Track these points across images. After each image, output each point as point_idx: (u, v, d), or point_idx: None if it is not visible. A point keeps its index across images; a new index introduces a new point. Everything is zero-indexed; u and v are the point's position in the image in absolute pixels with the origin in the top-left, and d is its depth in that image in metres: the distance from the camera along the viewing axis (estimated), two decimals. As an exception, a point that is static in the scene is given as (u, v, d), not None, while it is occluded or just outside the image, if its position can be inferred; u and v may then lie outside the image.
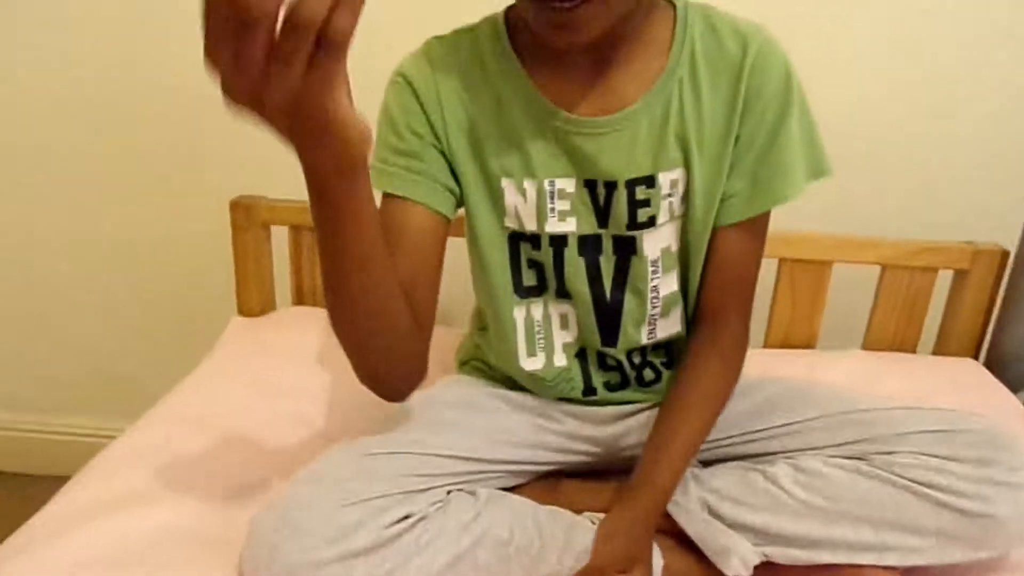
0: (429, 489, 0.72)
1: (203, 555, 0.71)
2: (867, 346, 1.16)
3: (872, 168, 1.22)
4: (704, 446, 0.82)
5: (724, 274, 0.80)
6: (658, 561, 0.75)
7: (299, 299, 1.19)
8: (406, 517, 0.68)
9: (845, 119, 1.16)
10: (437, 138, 0.75)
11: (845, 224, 1.19)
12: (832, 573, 0.72)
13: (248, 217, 1.15)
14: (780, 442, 0.79)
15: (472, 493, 0.75)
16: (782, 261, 1.13)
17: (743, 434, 0.82)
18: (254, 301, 1.18)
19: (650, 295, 0.80)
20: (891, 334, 1.15)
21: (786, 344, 1.16)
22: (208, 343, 1.11)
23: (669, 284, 0.81)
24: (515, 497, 0.77)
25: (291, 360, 1.04)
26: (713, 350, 0.80)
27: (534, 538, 0.72)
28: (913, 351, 1.16)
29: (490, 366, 0.89)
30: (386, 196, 0.75)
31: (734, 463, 0.81)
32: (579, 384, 0.85)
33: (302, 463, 0.81)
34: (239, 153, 1.27)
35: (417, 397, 0.82)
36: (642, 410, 0.86)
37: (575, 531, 0.74)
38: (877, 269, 1.14)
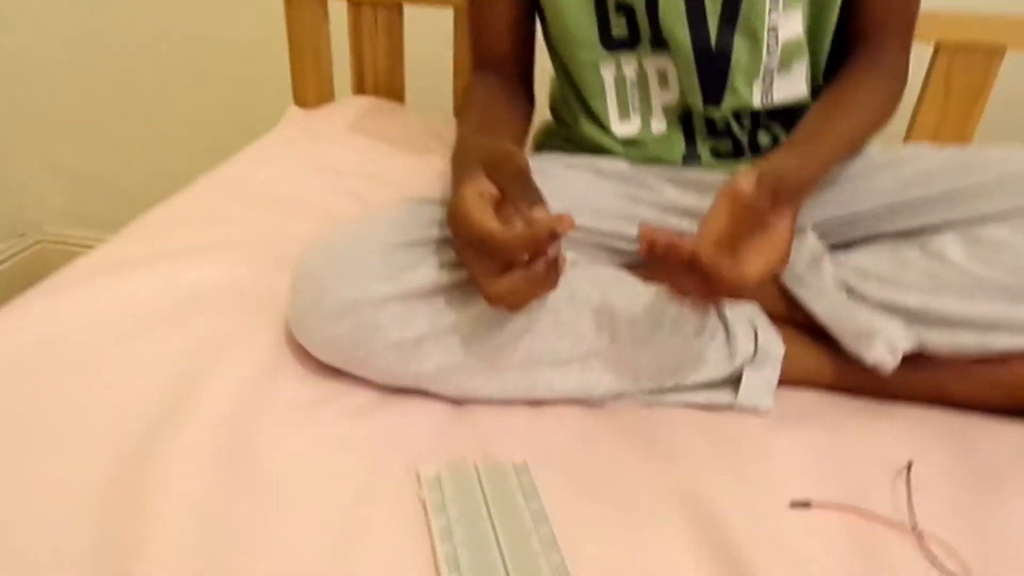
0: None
1: (245, 310, 0.62)
2: (1034, 153, 0.96)
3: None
4: (840, 222, 0.67)
5: (875, 3, 0.66)
6: (776, 350, 0.62)
7: (360, 87, 1.06)
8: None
9: None
10: None
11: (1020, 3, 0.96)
12: (1008, 366, 0.58)
13: (302, -12, 1.01)
14: (944, 213, 0.63)
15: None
16: (939, 47, 0.92)
17: (892, 205, 0.66)
18: (311, 89, 1.05)
19: (767, 38, 0.65)
20: (1068, 138, 0.94)
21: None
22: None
23: (792, 25, 0.65)
24: (605, 268, 0.65)
25: (351, 145, 0.92)
26: (869, 66, 0.66)
27: (631, 306, 0.59)
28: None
29: (573, 141, 0.75)
30: None
31: (882, 241, 0.65)
32: (680, 150, 0.71)
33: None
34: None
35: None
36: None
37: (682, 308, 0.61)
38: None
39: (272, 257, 0.68)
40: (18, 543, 0.42)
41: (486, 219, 0.50)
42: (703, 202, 0.70)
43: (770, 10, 0.64)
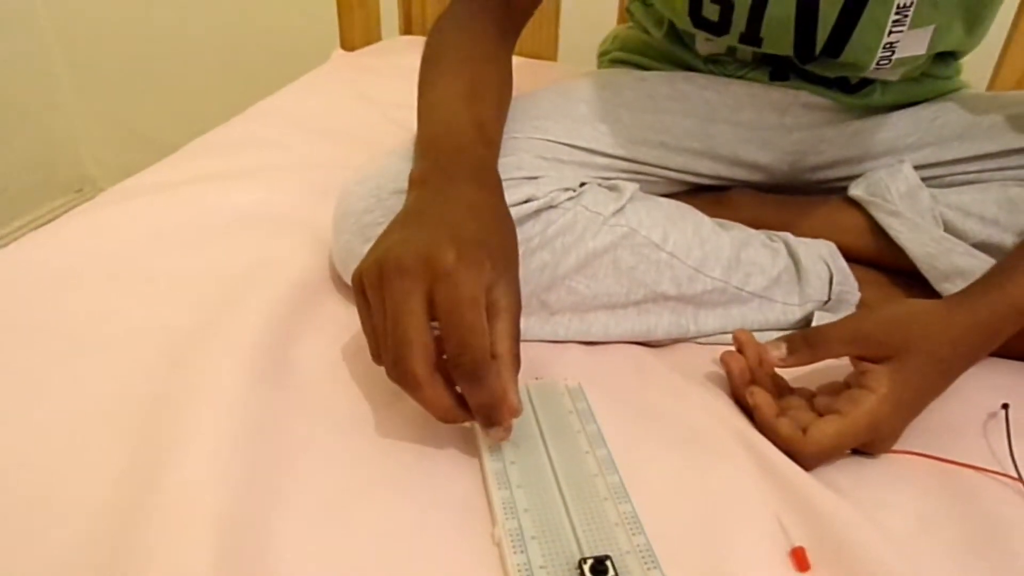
0: (556, 175, 0.56)
1: (288, 234, 0.59)
2: None
3: None
4: (940, 167, 0.62)
5: None
6: (852, 296, 0.58)
7: (408, 28, 1.03)
8: (527, 201, 0.52)
9: None
10: None
11: None
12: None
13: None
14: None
15: (613, 188, 0.58)
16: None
17: (1004, 154, 0.60)
18: (358, 32, 1.02)
19: (879, 55, 0.59)
20: None
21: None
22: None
23: (914, 46, 0.59)
24: (669, 200, 0.60)
25: (398, 78, 0.89)
26: None
27: (693, 247, 0.55)
28: None
29: (648, 54, 0.71)
30: None
31: (989, 182, 0.60)
32: (767, 72, 0.66)
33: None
34: None
35: (540, 94, 0.65)
36: (850, 118, 0.65)
37: (748, 248, 0.57)
38: None
39: (316, 184, 0.66)
40: (57, 445, 0.40)
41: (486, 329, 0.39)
42: (782, 139, 0.66)
43: (891, 30, 0.57)
